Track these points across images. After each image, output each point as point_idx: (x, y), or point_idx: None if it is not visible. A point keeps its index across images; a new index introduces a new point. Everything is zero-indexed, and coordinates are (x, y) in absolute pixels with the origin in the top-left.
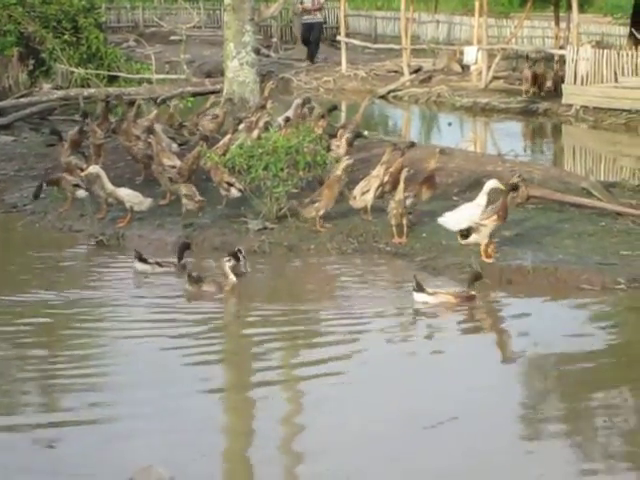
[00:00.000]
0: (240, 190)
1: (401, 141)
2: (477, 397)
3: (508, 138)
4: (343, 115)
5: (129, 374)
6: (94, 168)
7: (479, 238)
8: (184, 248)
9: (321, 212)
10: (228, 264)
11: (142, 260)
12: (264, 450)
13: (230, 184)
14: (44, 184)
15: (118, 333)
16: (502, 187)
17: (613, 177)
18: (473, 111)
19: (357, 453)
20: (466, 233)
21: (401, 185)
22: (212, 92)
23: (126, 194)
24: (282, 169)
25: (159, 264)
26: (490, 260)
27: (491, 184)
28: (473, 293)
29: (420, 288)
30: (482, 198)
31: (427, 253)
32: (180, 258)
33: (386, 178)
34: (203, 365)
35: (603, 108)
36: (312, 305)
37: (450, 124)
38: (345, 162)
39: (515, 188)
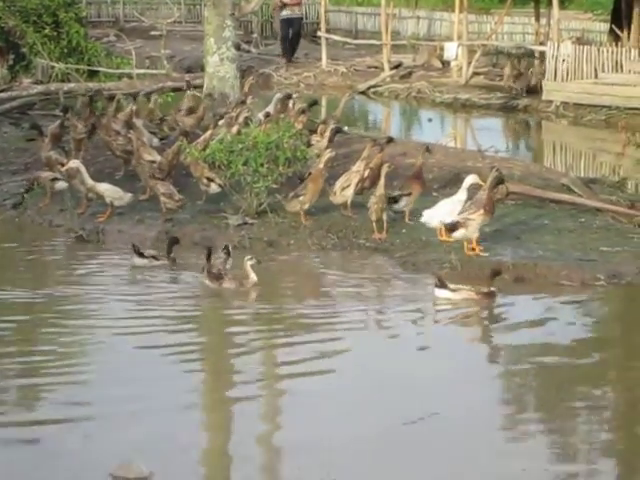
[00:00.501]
0: (220, 185)
1: (380, 137)
2: (458, 392)
3: (488, 134)
4: (323, 110)
5: (109, 371)
6: (74, 163)
7: (467, 233)
8: (173, 243)
9: (306, 206)
10: (250, 262)
11: (140, 254)
12: (244, 446)
13: (210, 179)
14: (30, 187)
15: (97, 329)
16: (481, 183)
17: (593, 173)
18: (453, 107)
19: (337, 449)
20: (451, 228)
21: (382, 181)
22: (195, 87)
23: (106, 189)
24: (262, 164)
25: (155, 258)
26: (480, 254)
27: (470, 179)
28: (493, 289)
29: (442, 284)
30: (462, 194)
31: (407, 249)
32: (170, 252)
33: (366, 173)
34: (182, 361)
35: (583, 104)
36: (294, 301)
37: (430, 120)
38: (327, 155)
39: (501, 181)
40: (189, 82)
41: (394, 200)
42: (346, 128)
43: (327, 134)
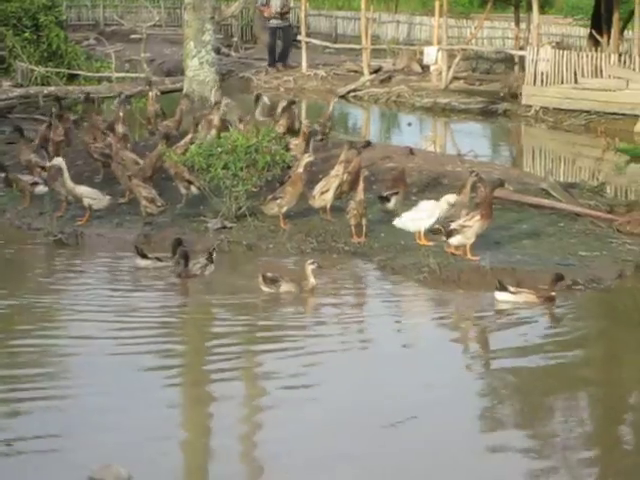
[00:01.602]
0: (199, 188)
1: (358, 140)
2: (435, 395)
3: (468, 138)
4: (303, 114)
5: (86, 373)
6: (57, 160)
7: (463, 239)
8: (177, 244)
9: (284, 209)
10: (311, 267)
11: (143, 256)
12: (224, 447)
13: (190, 182)
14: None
15: (75, 332)
16: (458, 201)
17: (572, 178)
18: (433, 111)
19: (315, 450)
20: (448, 234)
21: (361, 185)
22: (172, 91)
23: (85, 191)
24: (241, 168)
25: (159, 259)
26: (475, 259)
27: (449, 199)
28: (554, 294)
29: (502, 287)
30: (442, 203)
31: (385, 253)
32: (174, 254)
33: (345, 177)
34: (161, 363)
35: (563, 109)
36: (271, 302)
37: (410, 124)
38: (306, 159)
39: (501, 184)
40: (150, 82)
41: (386, 199)
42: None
43: (302, 139)
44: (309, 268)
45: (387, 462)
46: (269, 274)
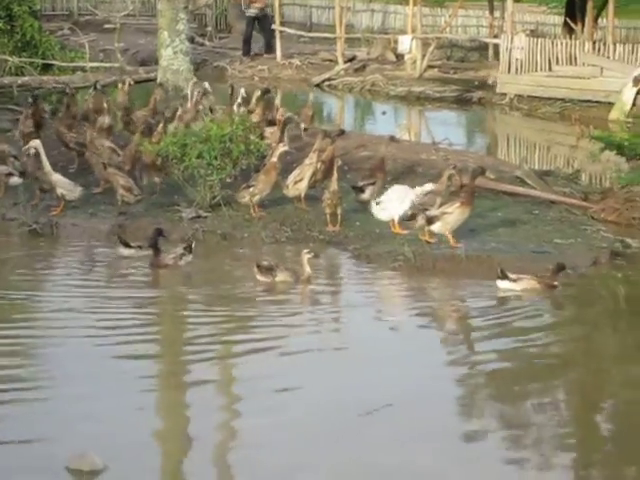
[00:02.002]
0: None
1: (332, 129)
2: (411, 384)
3: (442, 127)
4: (278, 103)
5: (62, 362)
6: (34, 142)
7: (444, 225)
8: (158, 234)
9: (256, 198)
10: (307, 256)
11: (126, 245)
12: (199, 438)
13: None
14: None
15: (49, 323)
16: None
17: (547, 166)
18: (407, 100)
19: (291, 441)
20: (429, 221)
21: (335, 176)
22: (147, 80)
23: (59, 180)
24: (216, 157)
25: (141, 247)
26: (458, 246)
27: (427, 188)
28: (556, 283)
29: (504, 275)
30: (418, 189)
31: (360, 241)
32: (155, 243)
33: (319, 166)
34: (136, 352)
35: (537, 97)
36: (246, 293)
37: (384, 113)
38: (281, 149)
39: (482, 173)
40: (123, 73)
41: (360, 190)
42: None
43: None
44: (305, 257)
45: (364, 450)
46: (264, 263)
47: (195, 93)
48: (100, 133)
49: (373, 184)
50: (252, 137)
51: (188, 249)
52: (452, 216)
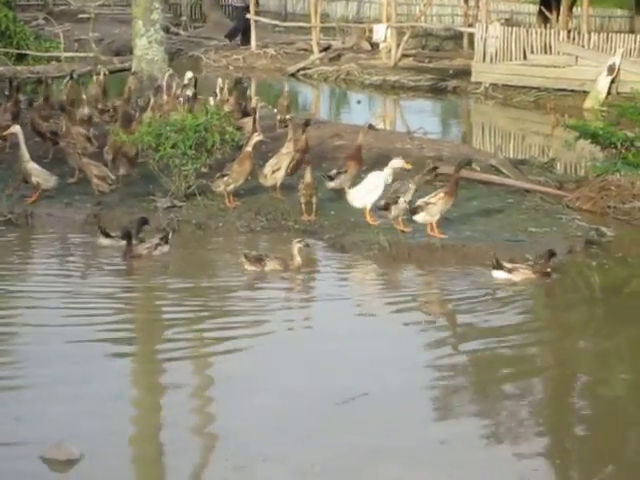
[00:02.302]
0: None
1: (299, 118)
2: (387, 373)
3: (417, 116)
4: (253, 92)
5: (37, 352)
6: (15, 128)
7: (427, 216)
8: (142, 223)
9: (230, 187)
10: (298, 245)
11: (106, 235)
12: (175, 426)
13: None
14: None
15: (25, 310)
16: (407, 166)
17: (522, 154)
18: (382, 89)
19: (268, 429)
20: (412, 211)
21: (308, 168)
22: (121, 70)
23: (34, 168)
24: (190, 147)
25: (121, 237)
26: (441, 236)
27: (395, 163)
28: (549, 270)
29: (499, 265)
30: (386, 171)
31: (335, 230)
32: (138, 232)
33: (296, 155)
34: (113, 341)
35: (512, 86)
36: (221, 283)
37: (359, 102)
38: (255, 138)
39: (469, 163)
40: (97, 64)
41: (330, 178)
42: (275, 110)
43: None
44: (296, 247)
45: (339, 435)
46: (253, 252)
47: (174, 84)
48: (81, 124)
49: (343, 172)
50: (227, 127)
51: (164, 239)
52: (436, 207)
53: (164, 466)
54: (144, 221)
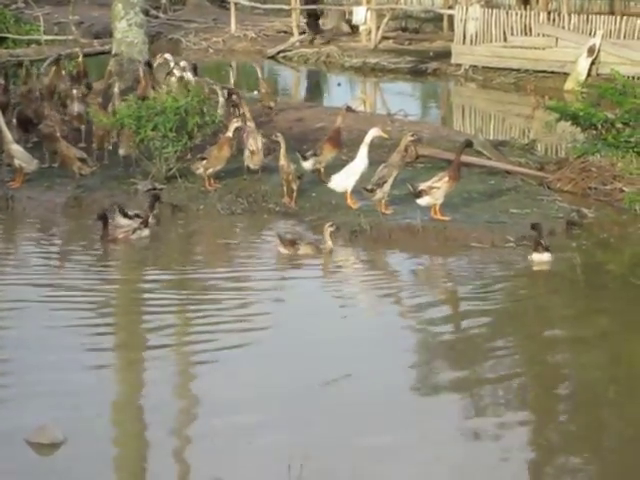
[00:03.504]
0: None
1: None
2: (372, 354)
3: (397, 98)
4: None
5: (20, 337)
6: None
7: (432, 200)
8: (155, 199)
9: (209, 171)
10: (330, 229)
11: (124, 215)
12: (158, 410)
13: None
14: None
15: (8, 297)
16: (384, 135)
17: (502, 136)
18: (362, 71)
19: (252, 411)
20: (416, 195)
21: (282, 150)
22: (101, 53)
23: (18, 150)
24: (171, 129)
25: (139, 216)
26: (445, 219)
27: (372, 133)
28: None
29: (544, 248)
30: (363, 149)
31: (317, 212)
32: (152, 209)
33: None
34: (96, 327)
35: (492, 67)
36: (204, 266)
37: (339, 84)
38: (235, 124)
39: (469, 145)
40: (60, 55)
41: (304, 158)
42: (256, 93)
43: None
44: (328, 231)
45: (322, 419)
46: (288, 236)
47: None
48: (72, 120)
49: (316, 155)
50: (206, 109)
51: (144, 223)
52: (440, 191)
53: (147, 446)
54: (156, 197)
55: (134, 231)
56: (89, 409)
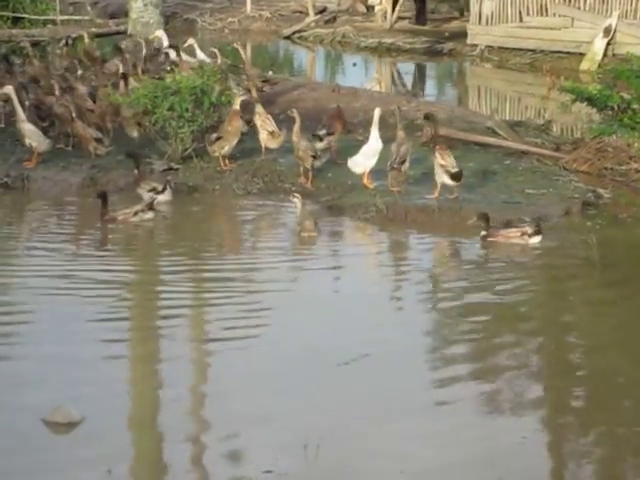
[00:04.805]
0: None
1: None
2: (387, 334)
3: (413, 78)
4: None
5: (36, 320)
6: (7, 88)
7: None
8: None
9: (225, 148)
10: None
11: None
12: (173, 389)
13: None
14: None
15: (25, 281)
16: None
17: (518, 116)
18: (378, 51)
19: (269, 391)
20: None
21: (296, 127)
22: (117, 33)
23: (29, 129)
24: (187, 109)
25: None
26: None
27: (378, 113)
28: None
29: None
30: (375, 131)
31: (332, 193)
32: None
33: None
34: (112, 310)
35: (508, 48)
36: (216, 246)
37: (355, 64)
38: (240, 97)
39: (427, 117)
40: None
41: (319, 139)
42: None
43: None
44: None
45: (343, 395)
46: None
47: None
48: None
49: (332, 134)
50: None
51: (149, 206)
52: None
53: (163, 427)
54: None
55: (135, 214)
56: (106, 388)
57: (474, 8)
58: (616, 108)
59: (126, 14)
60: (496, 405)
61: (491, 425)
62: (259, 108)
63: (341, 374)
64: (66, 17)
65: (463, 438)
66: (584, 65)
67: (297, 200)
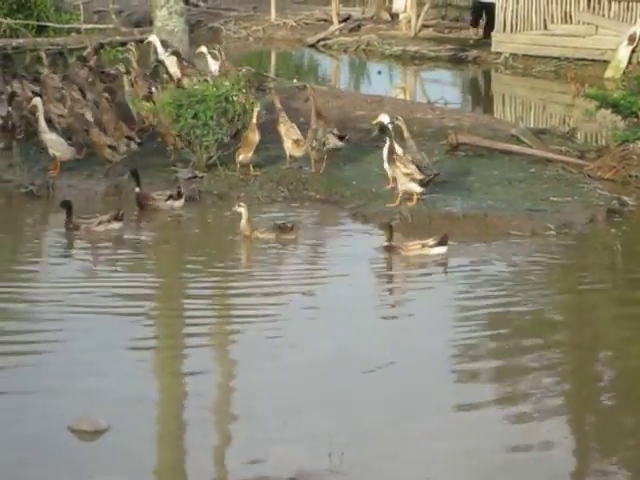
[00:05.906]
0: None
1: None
2: (413, 342)
3: (437, 86)
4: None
5: (61, 326)
6: (35, 100)
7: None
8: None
9: (240, 157)
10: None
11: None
12: (199, 394)
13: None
14: None
15: (49, 290)
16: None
17: (543, 124)
18: (402, 59)
19: (295, 397)
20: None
21: (313, 117)
22: (141, 41)
23: (52, 139)
24: (212, 117)
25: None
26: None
27: (385, 119)
28: None
29: None
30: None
31: (357, 200)
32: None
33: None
34: (137, 316)
35: (532, 55)
36: (241, 251)
37: (379, 72)
38: (257, 109)
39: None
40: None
41: (340, 138)
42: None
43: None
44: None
45: (369, 401)
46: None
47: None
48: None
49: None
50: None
51: (118, 217)
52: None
53: (188, 435)
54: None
55: (100, 223)
56: (132, 397)
57: (499, 16)
58: None
59: (151, 22)
60: (522, 412)
61: (517, 433)
62: (283, 117)
63: (368, 381)
64: (90, 26)
65: (489, 446)
66: (608, 73)
67: (242, 209)
